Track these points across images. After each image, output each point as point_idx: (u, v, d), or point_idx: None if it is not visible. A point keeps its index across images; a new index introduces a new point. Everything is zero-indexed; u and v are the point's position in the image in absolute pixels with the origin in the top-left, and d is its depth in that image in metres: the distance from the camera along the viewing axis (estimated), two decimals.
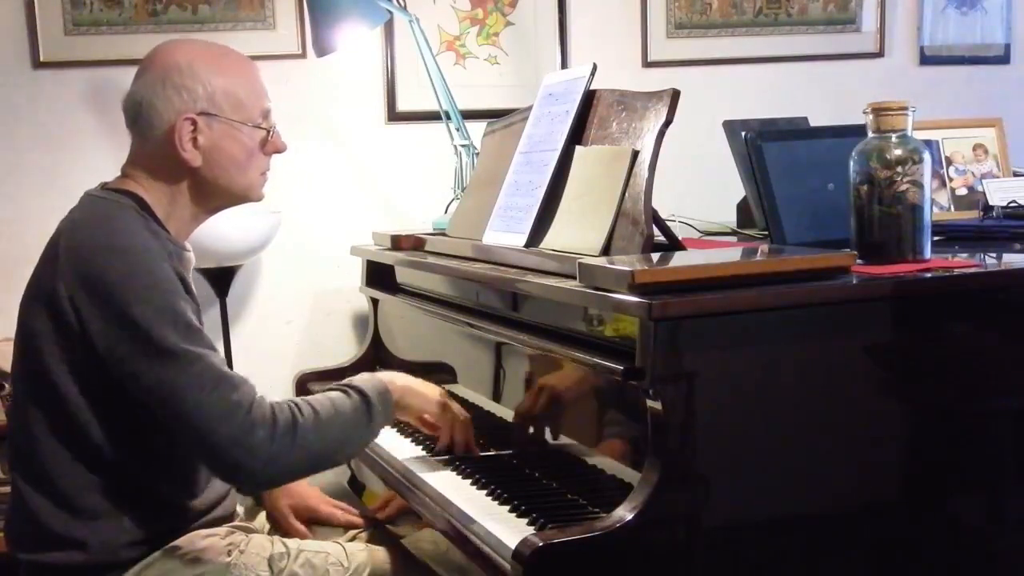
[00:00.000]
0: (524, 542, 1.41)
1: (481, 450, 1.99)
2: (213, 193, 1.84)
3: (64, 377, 1.69)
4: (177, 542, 1.79)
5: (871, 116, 1.70)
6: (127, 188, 1.80)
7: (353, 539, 2.08)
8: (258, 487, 1.81)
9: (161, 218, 1.80)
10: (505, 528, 1.58)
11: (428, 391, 1.95)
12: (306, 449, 1.68)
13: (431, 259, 2.30)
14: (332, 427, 1.72)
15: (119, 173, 1.86)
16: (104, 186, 1.84)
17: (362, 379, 1.84)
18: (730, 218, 2.58)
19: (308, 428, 1.68)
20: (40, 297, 1.71)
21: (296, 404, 1.70)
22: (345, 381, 1.83)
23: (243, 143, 1.82)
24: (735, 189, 2.48)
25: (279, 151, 1.89)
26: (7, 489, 1.88)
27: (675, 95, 1.80)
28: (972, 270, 1.71)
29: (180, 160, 1.78)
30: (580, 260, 1.65)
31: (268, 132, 1.86)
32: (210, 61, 1.81)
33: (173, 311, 1.66)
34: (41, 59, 2.85)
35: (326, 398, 1.76)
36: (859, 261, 1.64)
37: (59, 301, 1.67)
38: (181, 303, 1.68)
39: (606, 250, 1.78)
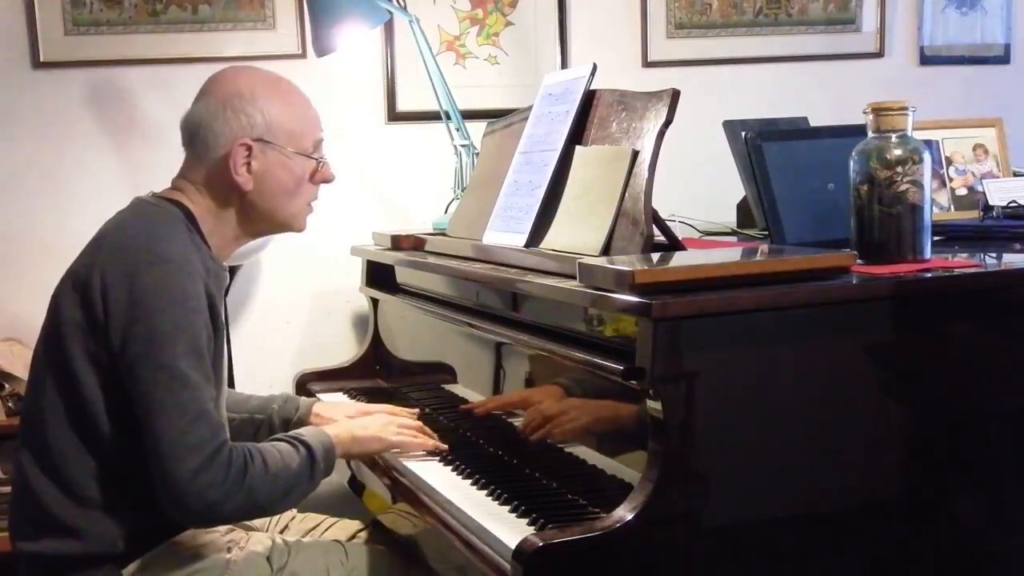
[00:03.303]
0: (524, 542, 1.41)
1: (481, 450, 1.99)
2: (259, 218, 1.88)
3: (82, 365, 1.72)
4: (177, 538, 1.80)
5: (871, 116, 1.70)
6: (177, 199, 1.85)
7: (353, 538, 2.08)
8: (191, 523, 1.82)
9: (206, 234, 1.84)
10: (505, 528, 1.58)
11: (368, 432, 1.97)
12: (250, 498, 1.70)
13: (431, 259, 2.30)
14: (278, 480, 1.74)
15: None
16: (155, 194, 1.87)
17: (310, 433, 1.86)
18: (730, 218, 2.58)
19: (256, 478, 1.71)
20: (76, 286, 1.75)
21: (249, 452, 1.73)
22: (294, 433, 1.86)
23: (294, 171, 1.87)
24: (735, 189, 2.48)
25: (328, 181, 1.95)
26: (7, 489, 1.89)
27: (675, 95, 1.80)
28: (972, 270, 1.71)
29: (232, 183, 1.82)
30: (580, 260, 1.65)
31: (318, 162, 1.90)
32: (270, 90, 1.86)
33: (191, 331, 1.70)
34: (41, 59, 2.85)
35: (276, 450, 1.78)
36: (859, 261, 1.64)
37: (92, 291, 1.71)
38: (200, 325, 1.72)
39: (606, 250, 1.78)
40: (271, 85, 1.88)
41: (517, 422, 1.93)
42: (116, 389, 1.71)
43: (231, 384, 2.78)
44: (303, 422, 2.11)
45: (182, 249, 1.75)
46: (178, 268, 1.71)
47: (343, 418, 2.11)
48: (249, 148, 1.82)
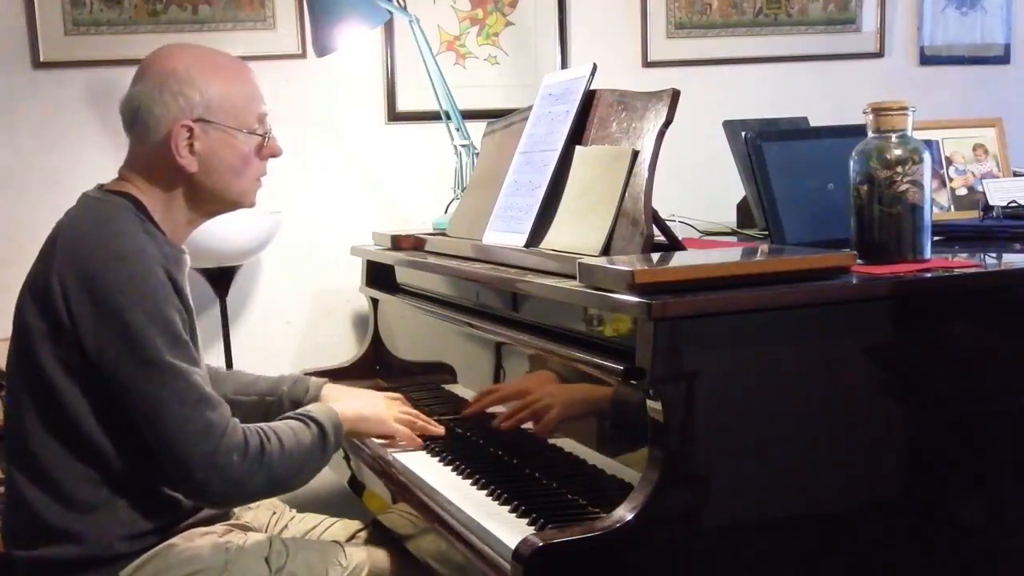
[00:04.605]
0: (524, 542, 1.41)
1: (481, 450, 1.99)
2: (208, 198, 1.86)
3: (56, 371, 1.71)
4: (174, 540, 1.80)
5: (871, 116, 1.70)
6: (124, 190, 1.82)
7: (352, 539, 2.08)
8: (216, 506, 1.86)
9: (157, 221, 1.81)
10: (505, 528, 1.58)
11: (375, 412, 2.02)
12: (269, 475, 1.72)
13: (431, 259, 2.30)
14: (294, 456, 1.76)
15: (117, 175, 1.87)
16: (101, 187, 1.85)
17: (318, 410, 1.88)
18: (730, 218, 2.58)
19: (274, 456, 1.73)
20: (35, 293, 1.74)
21: (264, 431, 1.74)
22: (303, 410, 1.88)
23: (239, 149, 1.84)
24: (735, 189, 2.48)
25: (275, 155, 1.91)
26: (3, 489, 1.89)
27: (675, 95, 1.80)
28: (972, 270, 1.71)
29: (176, 165, 1.80)
30: (580, 260, 1.65)
31: (264, 137, 1.87)
32: (207, 67, 1.82)
33: (164, 320, 1.69)
34: (41, 59, 2.85)
35: (288, 428, 1.79)
36: (859, 261, 1.64)
37: (52, 297, 1.70)
38: (172, 313, 1.71)
39: (606, 250, 1.78)
40: (208, 62, 1.84)
41: (526, 423, 1.93)
42: (96, 391, 1.70)
43: None
44: (312, 403, 2.11)
45: (136, 240, 1.73)
46: (135, 260, 1.70)
47: (356, 394, 2.13)
48: (190, 129, 1.78)
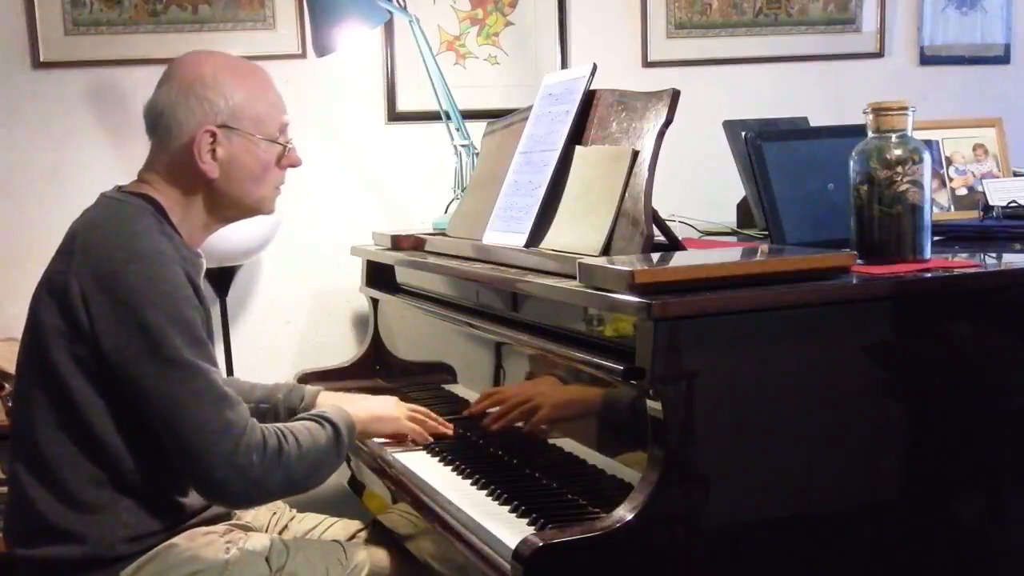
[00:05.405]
0: (524, 542, 1.41)
1: (481, 450, 1.99)
2: (227, 204, 1.87)
3: (70, 370, 1.71)
4: (175, 539, 1.80)
5: (871, 116, 1.70)
6: (143, 192, 1.83)
7: (352, 539, 2.09)
8: (235, 506, 1.88)
9: (175, 224, 1.82)
10: (505, 528, 1.58)
11: (387, 412, 2.05)
12: (287, 475, 1.73)
13: (431, 259, 2.30)
14: (310, 456, 1.77)
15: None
16: (120, 188, 1.85)
17: (332, 411, 1.90)
18: (730, 218, 2.58)
19: (292, 456, 1.73)
20: (52, 292, 1.74)
21: (281, 431, 1.75)
22: (316, 412, 1.90)
23: (260, 157, 1.85)
24: (735, 189, 2.48)
25: (294, 166, 1.92)
26: (4, 489, 1.89)
27: (675, 95, 1.80)
28: (972, 270, 1.71)
29: (198, 170, 1.81)
30: (580, 260, 1.65)
31: (285, 147, 1.88)
32: (233, 75, 1.83)
33: (185, 320, 1.69)
34: (41, 59, 2.85)
35: (304, 428, 1.80)
36: (859, 261, 1.64)
37: (71, 297, 1.70)
38: (192, 313, 1.71)
39: (606, 250, 1.78)
40: (235, 70, 1.85)
41: (518, 422, 1.93)
42: (111, 391, 1.70)
43: None
44: (308, 411, 2.12)
45: (155, 242, 1.73)
46: (155, 261, 1.70)
47: (359, 397, 2.14)
48: (213, 135, 1.79)
